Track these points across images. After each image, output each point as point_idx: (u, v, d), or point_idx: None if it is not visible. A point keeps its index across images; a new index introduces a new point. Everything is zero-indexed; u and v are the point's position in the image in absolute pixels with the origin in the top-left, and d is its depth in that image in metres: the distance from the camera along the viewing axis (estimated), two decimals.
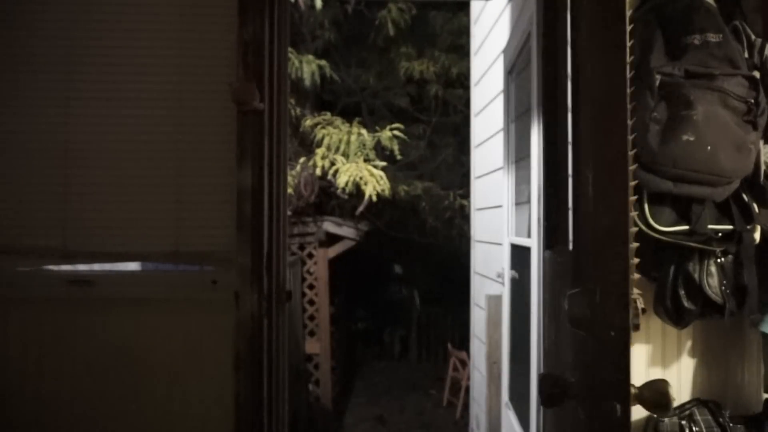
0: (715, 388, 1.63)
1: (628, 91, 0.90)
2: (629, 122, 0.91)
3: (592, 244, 0.93)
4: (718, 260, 1.36)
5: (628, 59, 0.91)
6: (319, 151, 5.39)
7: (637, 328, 0.92)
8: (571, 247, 1.11)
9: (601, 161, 0.92)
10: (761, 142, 1.32)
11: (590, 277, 0.94)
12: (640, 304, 0.92)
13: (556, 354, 1.80)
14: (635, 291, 0.98)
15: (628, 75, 0.91)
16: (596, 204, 0.92)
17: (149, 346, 1.80)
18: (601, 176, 0.91)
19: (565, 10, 1.66)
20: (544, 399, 1.10)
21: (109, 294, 1.83)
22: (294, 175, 5.31)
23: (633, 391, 0.89)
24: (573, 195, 1.09)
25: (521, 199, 2.81)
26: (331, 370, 5.66)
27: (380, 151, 5.81)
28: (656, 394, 0.89)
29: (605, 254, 0.90)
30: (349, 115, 6.30)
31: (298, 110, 5.83)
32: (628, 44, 0.91)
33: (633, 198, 1.07)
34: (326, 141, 5.46)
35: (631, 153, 0.94)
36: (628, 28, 0.92)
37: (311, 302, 5.58)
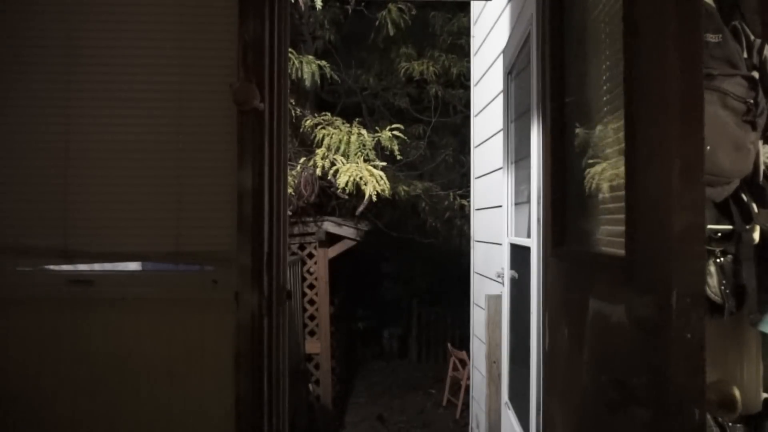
0: None
1: (703, 85, 0.91)
2: (704, 120, 0.92)
3: (666, 246, 0.92)
4: (718, 260, 1.36)
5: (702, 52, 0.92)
6: (319, 152, 5.39)
7: None
8: (624, 249, 1.09)
9: (676, 162, 0.91)
10: (760, 142, 1.33)
11: (663, 278, 0.93)
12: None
13: (556, 353, 1.79)
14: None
15: (703, 69, 0.91)
16: (671, 205, 0.91)
17: (149, 346, 1.80)
18: (676, 177, 0.91)
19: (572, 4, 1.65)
20: (607, 404, 1.09)
21: (109, 294, 1.83)
22: (294, 175, 5.31)
23: None
24: (629, 196, 1.09)
25: (521, 199, 2.81)
26: (331, 369, 5.66)
27: (380, 151, 5.81)
28: (722, 395, 0.89)
29: (681, 255, 0.90)
30: (349, 115, 6.31)
31: (298, 110, 5.83)
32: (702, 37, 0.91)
33: None
34: (326, 141, 5.46)
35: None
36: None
37: (311, 302, 5.58)
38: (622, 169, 1.18)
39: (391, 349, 7.92)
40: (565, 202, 1.72)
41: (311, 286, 5.60)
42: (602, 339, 1.25)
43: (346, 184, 5.19)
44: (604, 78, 1.39)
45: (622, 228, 1.16)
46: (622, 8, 1.14)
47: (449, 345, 6.19)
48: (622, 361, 1.11)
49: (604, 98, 1.38)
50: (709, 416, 1.47)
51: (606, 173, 1.38)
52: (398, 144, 5.76)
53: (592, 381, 1.33)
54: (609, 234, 1.35)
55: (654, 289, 0.96)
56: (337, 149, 5.44)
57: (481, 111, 4.27)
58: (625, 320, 1.08)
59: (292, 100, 5.70)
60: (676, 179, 0.91)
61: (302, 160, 5.47)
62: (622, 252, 1.14)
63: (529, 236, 2.35)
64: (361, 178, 5.23)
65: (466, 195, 5.58)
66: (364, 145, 5.52)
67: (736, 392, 0.87)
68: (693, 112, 0.93)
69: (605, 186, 1.39)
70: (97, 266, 1.85)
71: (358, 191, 5.33)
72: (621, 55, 1.16)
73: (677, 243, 0.91)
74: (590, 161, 1.53)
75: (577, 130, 1.66)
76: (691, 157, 0.92)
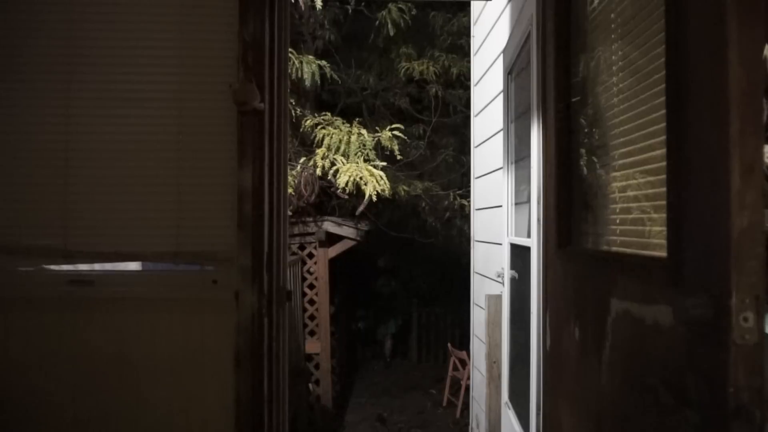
0: None
1: (764, 78, 0.90)
2: (764, 121, 0.91)
3: (724, 246, 0.92)
4: None
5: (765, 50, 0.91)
6: (320, 151, 5.39)
7: None
8: (667, 250, 1.09)
9: (736, 161, 0.91)
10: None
11: (721, 279, 0.92)
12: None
13: (557, 353, 1.79)
14: None
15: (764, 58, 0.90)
16: (732, 206, 0.91)
17: (149, 345, 1.80)
18: (737, 177, 0.91)
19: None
20: (642, 407, 1.08)
21: (110, 294, 1.83)
22: (294, 175, 5.31)
23: None
24: (674, 197, 1.08)
25: (521, 199, 2.81)
26: (331, 369, 5.66)
27: (380, 151, 5.81)
28: None
29: (741, 256, 0.90)
30: (349, 115, 6.31)
31: (298, 110, 5.83)
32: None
33: None
34: (326, 141, 5.46)
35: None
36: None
37: (311, 302, 5.59)
38: (651, 168, 1.18)
39: (392, 349, 7.91)
40: (571, 203, 1.72)
41: (311, 286, 5.60)
42: (633, 341, 1.24)
43: (346, 184, 5.19)
44: (615, 72, 1.38)
45: (649, 228, 1.14)
46: (555, 5, 1.11)
47: (449, 345, 6.19)
48: (664, 363, 1.10)
49: (617, 93, 1.37)
50: None
51: (622, 173, 1.37)
52: (398, 144, 5.75)
53: (616, 384, 1.32)
54: (628, 234, 1.34)
55: (709, 290, 0.95)
56: (337, 149, 5.44)
57: (481, 111, 4.27)
58: (670, 322, 1.07)
59: (292, 100, 5.70)
60: (737, 179, 0.91)
61: (302, 160, 5.47)
62: (658, 253, 1.14)
63: (529, 236, 2.35)
64: (361, 178, 5.23)
65: (466, 195, 5.58)
66: (364, 145, 5.53)
67: None
68: (753, 107, 0.92)
69: (621, 186, 1.38)
70: (97, 266, 1.85)
71: (358, 191, 5.33)
72: (644, 47, 1.13)
73: (737, 244, 0.90)
74: (602, 162, 1.52)
75: (585, 129, 1.66)
76: (752, 155, 0.91)
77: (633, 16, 1.31)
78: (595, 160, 1.57)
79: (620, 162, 1.38)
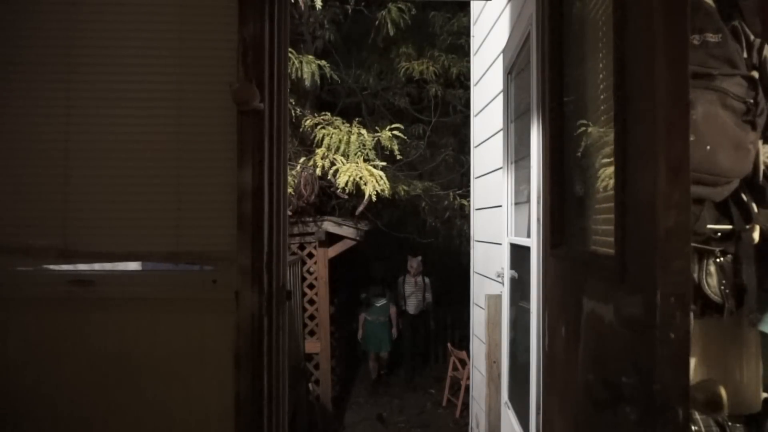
0: None
1: (689, 86, 0.92)
2: (690, 120, 0.92)
3: (651, 245, 0.93)
4: (718, 260, 1.36)
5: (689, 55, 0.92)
6: (319, 151, 5.39)
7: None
8: (614, 248, 1.10)
9: (663, 162, 0.92)
10: (760, 142, 1.33)
11: (648, 277, 0.93)
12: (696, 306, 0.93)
13: (555, 353, 1.79)
14: None
15: (689, 71, 0.91)
16: (657, 205, 0.92)
17: (149, 345, 1.80)
18: (663, 177, 0.92)
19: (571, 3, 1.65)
20: (595, 403, 1.10)
21: (109, 294, 1.83)
22: (294, 175, 5.31)
23: None
24: (618, 196, 1.09)
25: (521, 199, 2.81)
26: (331, 369, 5.66)
27: (380, 151, 5.81)
28: (709, 395, 0.89)
29: (667, 255, 0.91)
30: (349, 115, 6.31)
31: (298, 110, 5.83)
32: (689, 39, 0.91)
33: None
34: (326, 141, 5.46)
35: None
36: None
37: (311, 302, 5.59)
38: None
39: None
40: (564, 203, 1.72)
41: (311, 286, 5.61)
42: (596, 339, 1.25)
43: (346, 184, 5.20)
44: (600, 77, 1.39)
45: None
46: (612, 5, 1.14)
47: (449, 345, 6.19)
48: (614, 360, 1.11)
49: (601, 97, 1.38)
50: (709, 416, 1.48)
51: (601, 173, 1.38)
52: (398, 144, 5.76)
53: (585, 380, 1.33)
54: (603, 234, 1.35)
55: (641, 288, 0.97)
56: (337, 149, 5.44)
57: (481, 111, 4.27)
58: (617, 320, 1.08)
59: (292, 100, 5.70)
60: (663, 179, 0.92)
61: (302, 160, 5.47)
62: (612, 251, 1.15)
63: (529, 236, 2.35)
64: (360, 178, 5.23)
65: (466, 195, 5.58)
66: (364, 145, 5.53)
67: (723, 391, 0.87)
68: (679, 112, 0.93)
69: (600, 186, 1.39)
70: (97, 266, 1.85)
71: (358, 191, 5.33)
72: (605, 52, 1.15)
73: (663, 242, 0.92)
74: (587, 162, 1.53)
75: (576, 131, 1.66)
76: (678, 157, 0.92)
77: (595, 23, 1.33)
78: (584, 160, 1.58)
79: (601, 161, 1.39)
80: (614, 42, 1.12)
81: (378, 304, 6.70)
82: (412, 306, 6.89)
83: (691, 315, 0.88)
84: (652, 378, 0.91)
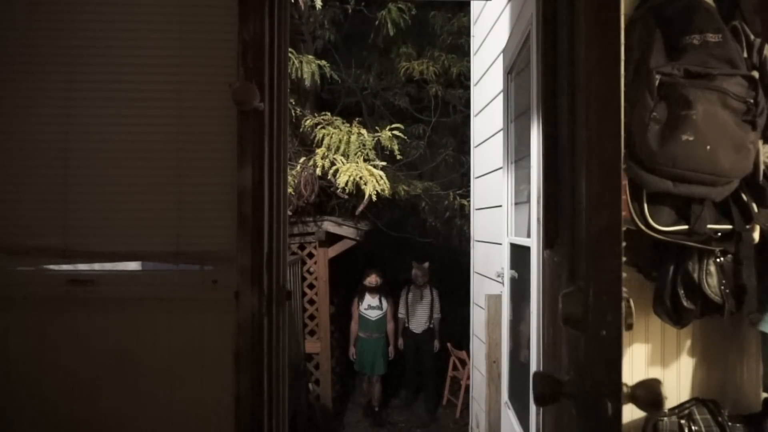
0: (714, 388, 1.64)
1: (622, 92, 0.93)
2: (622, 124, 0.94)
3: (585, 244, 0.95)
4: (718, 260, 1.36)
5: (623, 62, 0.93)
6: (319, 151, 5.40)
7: (630, 327, 0.95)
8: (566, 246, 1.12)
9: (595, 162, 0.94)
10: (760, 142, 1.33)
11: (583, 275, 0.96)
12: (632, 304, 0.95)
13: (553, 353, 1.80)
14: (624, 290, 1.02)
15: (623, 77, 0.92)
16: (590, 204, 0.94)
17: (149, 345, 1.80)
18: (596, 177, 0.94)
19: (564, 7, 1.65)
20: (537, 397, 1.12)
21: (109, 294, 1.83)
22: (294, 175, 5.31)
23: (626, 390, 0.91)
24: (568, 195, 1.11)
25: (521, 199, 2.81)
26: (331, 369, 5.66)
27: (380, 151, 5.81)
28: (649, 392, 0.91)
29: (599, 253, 0.93)
30: (349, 115, 6.31)
31: (298, 110, 5.83)
32: (623, 46, 0.92)
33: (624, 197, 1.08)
34: (326, 141, 5.47)
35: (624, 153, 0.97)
36: (623, 26, 0.94)
37: (311, 302, 5.59)
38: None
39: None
40: (557, 203, 1.73)
41: (311, 286, 5.61)
42: (559, 338, 1.27)
43: (346, 184, 5.20)
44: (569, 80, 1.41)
45: None
46: (542, 7, 1.15)
47: (449, 345, 6.19)
48: (567, 358, 1.13)
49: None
50: (709, 416, 1.48)
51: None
52: (398, 144, 5.76)
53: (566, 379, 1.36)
54: None
55: (579, 287, 0.98)
56: (337, 149, 5.45)
57: (481, 111, 4.27)
58: (561, 318, 1.10)
59: (292, 100, 5.71)
60: (595, 179, 0.93)
61: (302, 159, 5.47)
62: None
63: (528, 236, 2.35)
64: (360, 178, 5.23)
65: (466, 195, 5.58)
66: (364, 145, 5.53)
67: (664, 390, 0.89)
68: (611, 113, 0.94)
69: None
70: (97, 266, 1.85)
71: (358, 191, 5.33)
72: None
73: (595, 242, 0.93)
74: (573, 162, 1.54)
75: (565, 131, 1.67)
76: (610, 158, 0.94)
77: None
78: (570, 159, 1.59)
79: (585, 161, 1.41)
80: (543, 34, 1.13)
81: (372, 318, 5.75)
82: (416, 323, 5.90)
83: (623, 313, 0.90)
84: (586, 374, 0.93)
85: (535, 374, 1.14)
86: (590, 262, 0.94)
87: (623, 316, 0.90)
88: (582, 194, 0.99)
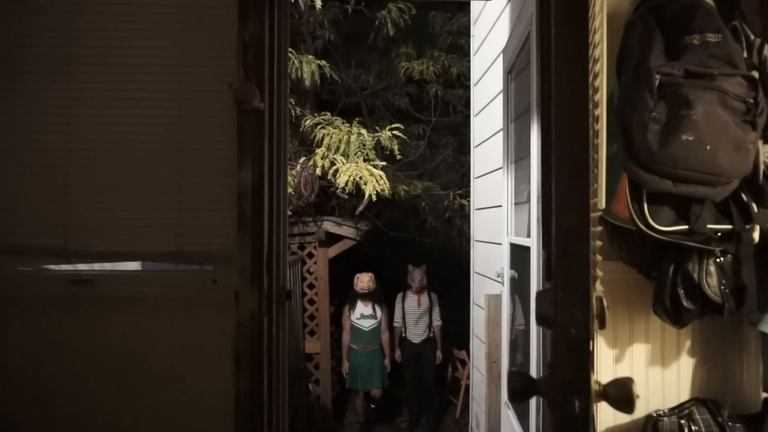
0: (714, 388, 1.64)
1: (590, 97, 0.95)
2: (590, 128, 0.96)
3: (557, 244, 0.97)
4: (717, 260, 1.36)
5: (590, 66, 0.96)
6: (319, 151, 5.40)
7: (603, 326, 0.96)
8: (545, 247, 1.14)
9: (564, 164, 0.96)
10: (760, 142, 1.33)
11: (554, 275, 0.97)
12: (606, 302, 0.97)
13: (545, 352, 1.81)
14: (599, 289, 1.05)
15: (590, 81, 0.95)
16: (560, 204, 0.96)
17: (149, 345, 1.80)
18: (564, 178, 0.96)
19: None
20: (510, 394, 1.14)
21: (109, 294, 1.83)
22: (294, 175, 5.31)
23: (597, 388, 0.92)
24: (544, 196, 1.13)
25: (521, 199, 2.81)
26: (331, 369, 5.66)
27: (380, 150, 5.81)
28: (621, 391, 0.92)
29: (569, 253, 0.94)
30: (349, 115, 6.31)
31: (298, 110, 5.84)
32: (591, 52, 0.94)
33: (594, 197, 1.10)
34: (326, 141, 5.47)
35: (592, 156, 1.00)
36: (591, 37, 0.96)
37: (311, 302, 5.59)
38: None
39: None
40: (551, 203, 1.74)
41: (311, 286, 5.61)
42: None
43: (346, 184, 5.20)
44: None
45: None
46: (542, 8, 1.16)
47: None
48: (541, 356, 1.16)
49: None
50: (709, 416, 1.48)
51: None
52: (398, 144, 5.76)
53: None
54: None
55: (551, 287, 1.00)
56: (337, 149, 5.45)
57: (481, 111, 4.27)
58: (536, 317, 1.13)
59: (292, 100, 5.70)
60: (563, 181, 0.95)
61: (302, 159, 5.47)
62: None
63: (528, 236, 2.35)
64: (360, 178, 5.23)
65: (466, 195, 5.58)
66: (364, 145, 5.53)
67: (636, 389, 0.91)
68: (578, 115, 0.97)
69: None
70: (97, 266, 1.85)
71: (357, 191, 5.33)
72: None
73: (564, 242, 0.95)
74: None
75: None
76: (578, 159, 0.96)
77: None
78: (548, 162, 1.60)
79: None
80: (540, 40, 1.15)
81: (366, 328, 5.21)
82: (414, 332, 5.38)
83: (593, 311, 0.92)
84: (556, 372, 0.95)
85: (510, 372, 1.16)
86: (559, 261, 0.95)
87: (593, 314, 0.91)
88: (553, 196, 1.01)
